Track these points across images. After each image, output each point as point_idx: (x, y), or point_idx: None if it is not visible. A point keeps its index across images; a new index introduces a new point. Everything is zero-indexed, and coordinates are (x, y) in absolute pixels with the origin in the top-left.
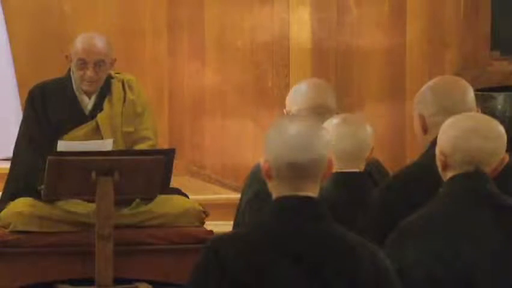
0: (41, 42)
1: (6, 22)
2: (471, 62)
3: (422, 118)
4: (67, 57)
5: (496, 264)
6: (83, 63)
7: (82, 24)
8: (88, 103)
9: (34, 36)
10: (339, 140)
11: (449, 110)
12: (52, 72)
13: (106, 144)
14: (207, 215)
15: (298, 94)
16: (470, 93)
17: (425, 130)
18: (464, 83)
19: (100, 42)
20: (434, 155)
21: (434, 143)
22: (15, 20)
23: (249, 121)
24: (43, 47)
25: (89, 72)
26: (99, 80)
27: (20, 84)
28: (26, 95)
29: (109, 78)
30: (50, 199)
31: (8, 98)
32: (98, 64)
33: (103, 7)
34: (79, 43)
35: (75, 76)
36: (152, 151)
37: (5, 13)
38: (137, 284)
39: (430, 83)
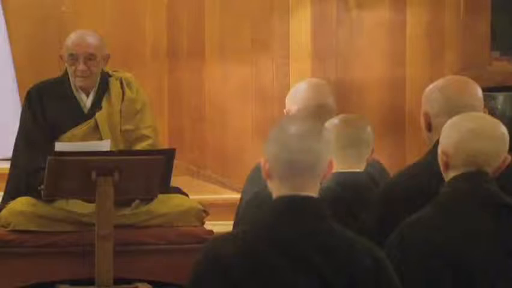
0: (41, 43)
1: (7, 23)
2: (471, 62)
3: (427, 116)
4: (60, 57)
5: (497, 263)
6: (73, 58)
7: (82, 25)
8: (87, 101)
9: (34, 37)
10: (340, 140)
11: (455, 112)
12: (52, 73)
13: (104, 145)
14: (207, 214)
15: (298, 94)
16: (478, 95)
17: (429, 128)
18: (472, 85)
19: (90, 37)
20: (436, 155)
21: (438, 143)
22: (16, 21)
23: (249, 121)
24: (43, 47)
25: (80, 66)
26: (92, 74)
27: (20, 85)
28: None
29: (107, 76)
30: (50, 199)
31: (8, 99)
32: (89, 58)
33: (103, 8)
34: (70, 39)
35: (69, 73)
36: (152, 151)
37: (5, 14)
38: (137, 284)
39: (439, 82)
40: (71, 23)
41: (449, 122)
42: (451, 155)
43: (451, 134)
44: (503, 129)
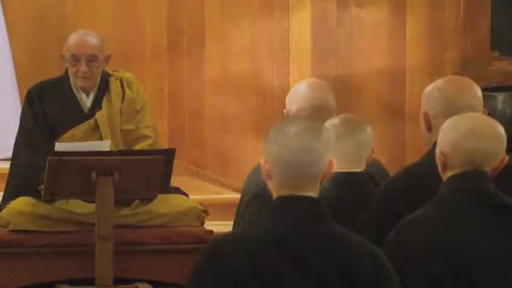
0: (41, 43)
1: (7, 23)
2: (471, 62)
3: (426, 116)
4: (62, 56)
5: (495, 262)
6: (75, 59)
7: (82, 25)
8: (87, 101)
9: (34, 37)
10: (340, 140)
11: (455, 112)
12: (52, 73)
13: (104, 145)
14: (207, 214)
15: (298, 94)
16: (478, 95)
17: (429, 128)
18: (472, 85)
19: (92, 38)
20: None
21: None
22: (16, 22)
23: (249, 121)
24: (43, 48)
25: (82, 67)
26: (93, 75)
27: (20, 85)
28: None
29: (107, 76)
30: (50, 199)
31: (8, 99)
32: (91, 59)
33: (103, 8)
34: (71, 39)
35: (70, 73)
36: (152, 151)
37: (5, 14)
38: (137, 284)
39: (439, 82)
40: (71, 23)
41: (447, 122)
42: (449, 155)
43: (448, 134)
44: (501, 129)
